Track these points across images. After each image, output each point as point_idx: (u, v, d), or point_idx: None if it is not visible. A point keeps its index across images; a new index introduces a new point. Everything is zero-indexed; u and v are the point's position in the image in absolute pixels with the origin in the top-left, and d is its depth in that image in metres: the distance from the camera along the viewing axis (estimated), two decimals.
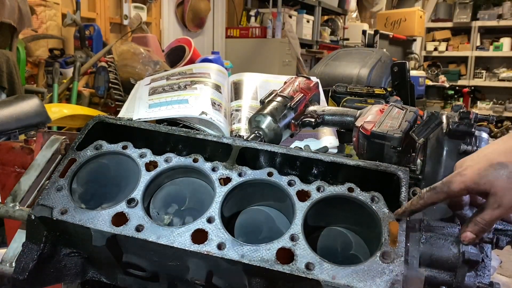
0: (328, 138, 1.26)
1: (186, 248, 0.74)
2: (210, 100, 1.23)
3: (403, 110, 1.02)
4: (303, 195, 0.80)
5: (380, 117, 0.99)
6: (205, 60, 2.42)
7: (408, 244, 0.74)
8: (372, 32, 6.18)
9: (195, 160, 0.87)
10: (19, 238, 0.86)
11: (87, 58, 2.99)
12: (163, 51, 2.91)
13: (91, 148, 0.90)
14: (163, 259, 0.80)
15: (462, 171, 0.70)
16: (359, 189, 0.80)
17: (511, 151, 0.68)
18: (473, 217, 0.70)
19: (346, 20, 6.73)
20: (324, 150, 1.18)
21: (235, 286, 0.80)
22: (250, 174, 0.84)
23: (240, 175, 0.84)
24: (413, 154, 1.00)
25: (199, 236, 0.76)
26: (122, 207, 0.80)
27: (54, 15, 3.36)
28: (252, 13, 5.37)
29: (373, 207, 0.77)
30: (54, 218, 0.79)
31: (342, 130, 1.21)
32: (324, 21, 6.50)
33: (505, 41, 7.46)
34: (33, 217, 0.81)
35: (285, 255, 0.73)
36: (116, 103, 2.19)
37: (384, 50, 2.85)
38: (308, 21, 5.64)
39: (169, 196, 0.92)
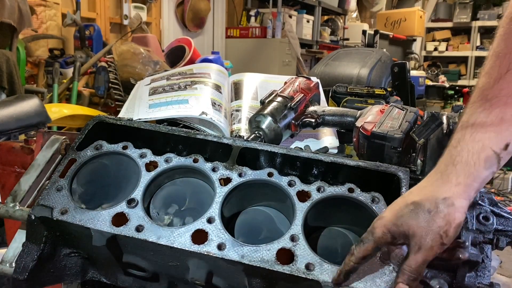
0: (328, 139, 1.26)
1: (186, 249, 0.74)
2: (210, 100, 1.23)
3: (403, 110, 1.02)
4: (303, 196, 0.80)
5: (381, 118, 0.99)
6: (205, 60, 2.42)
7: None
8: (372, 32, 6.18)
9: (195, 161, 0.87)
10: (19, 238, 0.86)
11: (87, 58, 2.98)
12: (163, 51, 2.91)
13: (91, 148, 0.90)
14: (163, 259, 0.80)
15: (382, 214, 0.68)
16: (359, 189, 0.80)
17: (423, 188, 0.66)
18: (401, 265, 0.66)
19: (346, 20, 6.73)
20: (324, 150, 1.18)
21: (235, 287, 0.80)
22: (250, 174, 0.84)
23: (240, 175, 0.84)
24: (413, 154, 1.00)
25: (199, 237, 0.76)
26: (122, 207, 0.80)
27: (54, 15, 3.36)
28: (252, 13, 5.36)
29: (373, 207, 0.77)
30: (54, 218, 0.79)
31: (342, 130, 1.20)
32: (324, 21, 6.50)
33: None
34: (33, 217, 0.81)
35: (285, 256, 0.73)
36: (116, 103, 2.19)
37: (384, 50, 2.85)
38: (308, 21, 5.64)
39: (169, 196, 0.92)
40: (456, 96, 7.55)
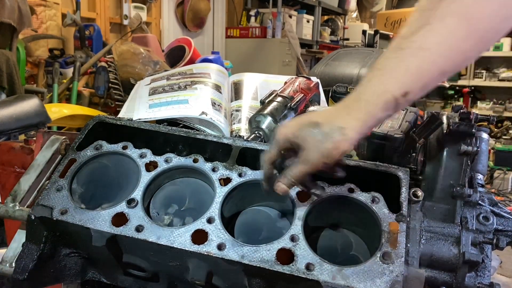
0: None
1: (186, 249, 0.74)
2: (210, 100, 1.23)
3: (403, 110, 1.02)
4: (303, 196, 0.80)
5: None
6: (205, 60, 2.42)
7: (408, 245, 0.74)
8: (372, 32, 6.17)
9: (195, 161, 0.87)
10: (19, 238, 0.86)
11: (87, 58, 2.98)
12: (163, 51, 2.91)
13: (91, 148, 0.90)
14: (163, 259, 0.80)
15: (288, 123, 0.75)
16: (359, 189, 0.80)
17: (329, 113, 0.73)
18: (286, 170, 0.74)
19: (346, 20, 6.73)
20: None
21: (235, 287, 0.80)
22: (250, 174, 0.84)
23: (240, 175, 0.84)
24: (414, 154, 0.99)
25: (199, 237, 0.76)
26: (122, 207, 0.80)
27: (54, 15, 3.35)
28: (252, 13, 5.36)
29: (373, 207, 0.77)
30: (54, 218, 0.79)
31: None
32: (324, 21, 6.50)
33: (505, 41, 7.43)
34: (33, 217, 0.81)
35: (285, 256, 0.73)
36: (116, 103, 2.19)
37: (384, 50, 2.84)
38: (308, 21, 5.63)
39: (169, 196, 0.92)
40: (456, 96, 7.55)
